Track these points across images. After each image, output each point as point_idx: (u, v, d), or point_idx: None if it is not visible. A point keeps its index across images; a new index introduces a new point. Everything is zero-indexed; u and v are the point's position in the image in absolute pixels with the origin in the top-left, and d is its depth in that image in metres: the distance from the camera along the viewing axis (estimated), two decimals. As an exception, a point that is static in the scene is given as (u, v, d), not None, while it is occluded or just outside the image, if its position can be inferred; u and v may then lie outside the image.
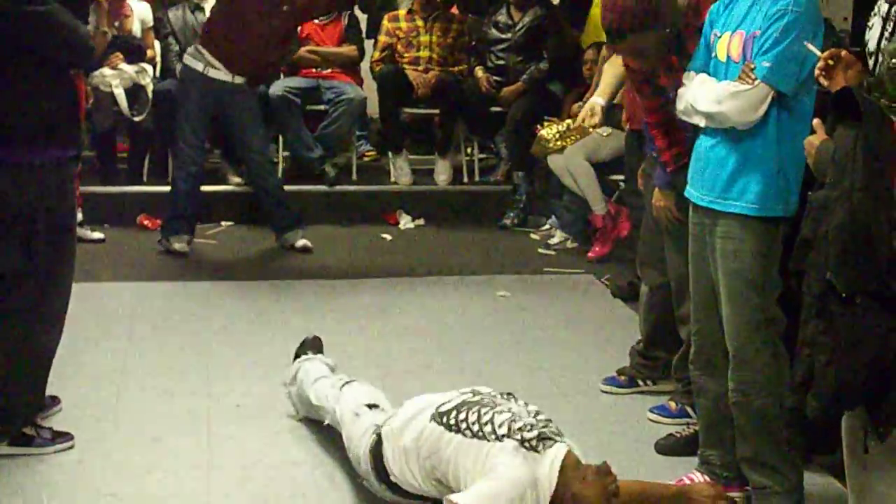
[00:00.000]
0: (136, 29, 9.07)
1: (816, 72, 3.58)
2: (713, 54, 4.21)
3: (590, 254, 8.07)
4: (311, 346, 5.32)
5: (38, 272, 4.58)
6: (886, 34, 3.80)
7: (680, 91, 4.31)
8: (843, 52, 3.53)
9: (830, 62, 3.52)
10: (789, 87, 3.99)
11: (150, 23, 9.20)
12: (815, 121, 3.62)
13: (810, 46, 3.76)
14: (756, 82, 3.98)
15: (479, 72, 9.23)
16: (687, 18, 4.47)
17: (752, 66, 3.99)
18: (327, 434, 4.97)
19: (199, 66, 7.58)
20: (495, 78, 9.18)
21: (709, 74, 4.20)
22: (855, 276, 3.29)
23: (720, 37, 4.18)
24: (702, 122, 4.19)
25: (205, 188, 8.62)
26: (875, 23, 3.92)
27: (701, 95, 4.15)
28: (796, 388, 3.56)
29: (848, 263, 3.29)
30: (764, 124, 4.04)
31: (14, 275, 4.54)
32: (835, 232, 3.30)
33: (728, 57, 4.13)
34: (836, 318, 3.35)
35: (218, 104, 7.67)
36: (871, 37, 3.90)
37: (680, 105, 4.28)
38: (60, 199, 4.61)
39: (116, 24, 8.89)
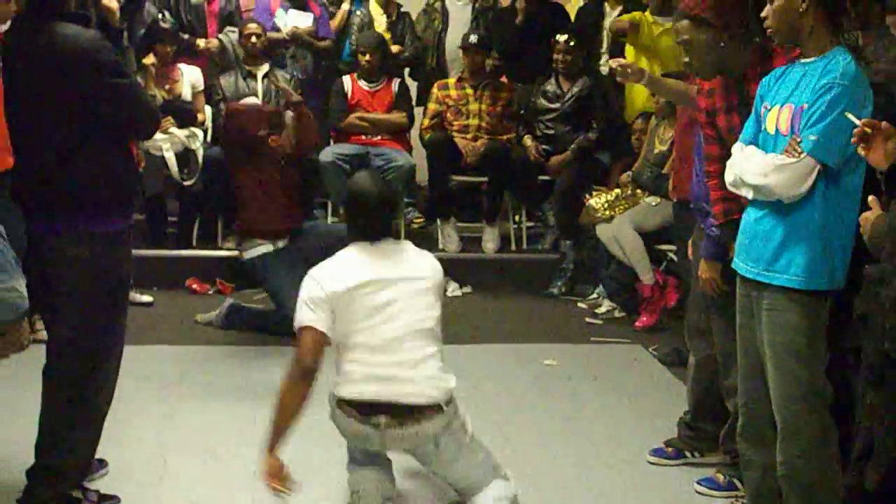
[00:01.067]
0: (187, 93, 9.15)
1: (853, 139, 3.58)
2: (763, 127, 4.22)
3: (637, 323, 8.04)
4: None
5: (98, 335, 4.64)
6: None
7: (729, 162, 4.31)
8: (883, 123, 3.52)
9: (868, 130, 3.52)
10: (835, 161, 3.98)
11: (201, 87, 9.28)
12: (871, 197, 3.62)
13: (850, 116, 3.76)
14: (802, 155, 3.97)
15: (528, 140, 9.26)
16: (753, 58, 4.46)
17: (799, 140, 3.99)
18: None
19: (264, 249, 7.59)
20: (544, 147, 9.22)
21: (758, 147, 4.20)
22: None
23: (770, 109, 4.18)
24: (749, 195, 4.19)
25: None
26: None
27: (748, 168, 4.15)
28: (855, 462, 3.54)
29: None
30: (811, 197, 4.03)
31: (72, 338, 4.58)
32: (892, 302, 3.29)
33: (777, 130, 4.14)
34: (894, 389, 3.33)
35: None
36: None
37: (729, 177, 4.28)
38: (123, 265, 4.70)
39: (167, 87, 9.01)
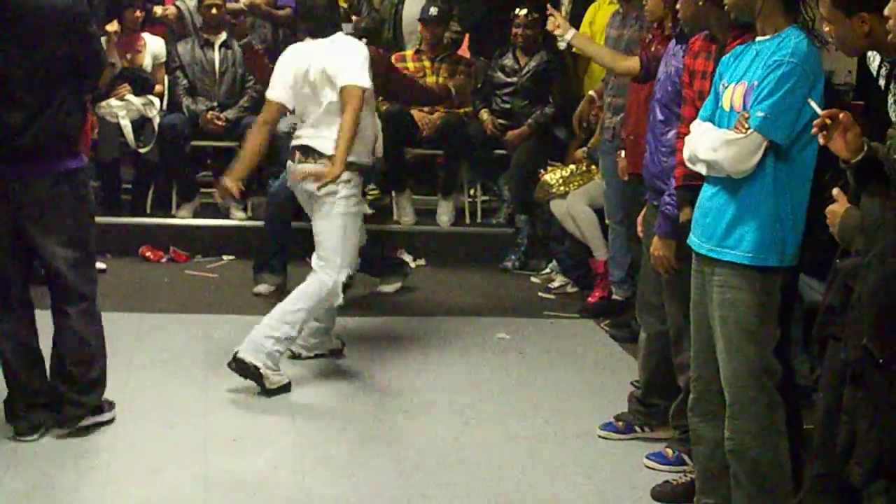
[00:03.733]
0: (148, 63, 9.13)
1: (814, 130, 3.61)
2: (720, 104, 4.25)
3: (589, 298, 8.06)
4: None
5: (91, 255, 5.31)
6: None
7: (686, 138, 4.35)
8: (842, 115, 3.56)
9: (828, 121, 3.55)
10: (783, 138, 4.01)
11: (163, 58, 9.26)
12: (836, 190, 3.66)
13: (812, 104, 3.80)
14: (749, 131, 4.01)
15: (485, 114, 9.24)
16: (735, 31, 4.49)
17: (747, 116, 4.03)
18: (326, 469, 4.99)
19: None
20: (500, 121, 9.19)
21: (714, 124, 4.23)
22: (891, 342, 3.32)
23: (727, 87, 4.22)
24: (703, 170, 4.22)
25: (207, 222, 8.70)
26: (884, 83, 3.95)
27: (701, 143, 4.19)
28: (839, 457, 3.59)
29: (884, 329, 3.32)
30: (761, 174, 4.06)
31: (75, 261, 5.14)
32: (869, 298, 3.33)
33: (731, 107, 4.17)
34: (874, 384, 3.37)
35: None
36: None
37: (686, 152, 4.31)
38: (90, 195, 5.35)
39: (128, 56, 8.97)
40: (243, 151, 6.43)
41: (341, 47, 6.20)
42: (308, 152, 6.15)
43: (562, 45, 6.28)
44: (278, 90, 6.31)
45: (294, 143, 6.28)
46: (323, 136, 6.09)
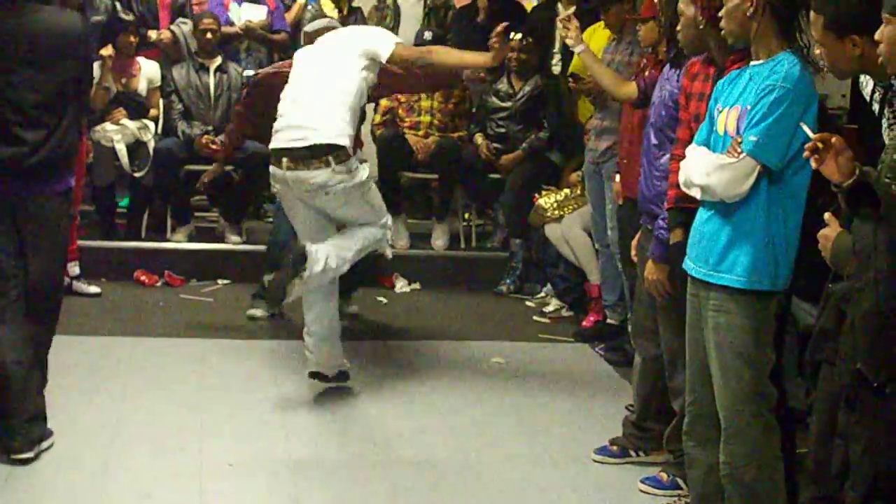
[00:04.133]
0: (143, 87, 9.15)
1: (805, 153, 3.63)
2: (714, 128, 4.26)
3: (584, 322, 8.07)
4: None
5: (62, 268, 5.62)
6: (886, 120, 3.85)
7: (682, 163, 4.36)
8: (834, 139, 3.57)
9: (820, 145, 3.57)
10: (775, 162, 4.02)
11: (158, 83, 9.28)
12: (827, 214, 3.67)
13: (805, 128, 3.80)
14: (742, 156, 4.02)
15: (479, 139, 9.25)
16: (734, 55, 4.49)
17: (740, 140, 4.04)
18: (321, 492, 5.00)
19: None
20: (495, 145, 9.20)
21: (709, 148, 4.25)
22: (885, 365, 3.33)
23: (721, 111, 4.23)
24: (697, 195, 4.23)
25: (202, 246, 8.71)
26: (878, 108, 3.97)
27: (695, 168, 4.20)
28: (833, 480, 3.59)
29: (877, 353, 3.33)
30: (754, 199, 4.07)
31: (52, 272, 5.33)
32: (862, 322, 3.34)
33: (725, 131, 4.18)
34: (868, 408, 3.38)
35: None
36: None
37: (681, 177, 4.32)
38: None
39: (123, 80, 8.99)
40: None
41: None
42: (319, 152, 5.91)
43: (556, 70, 6.27)
44: None
45: (289, 144, 5.97)
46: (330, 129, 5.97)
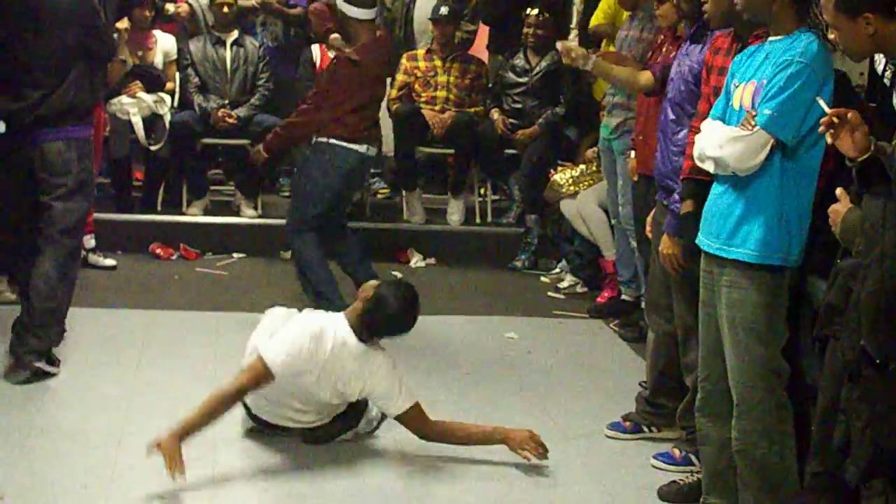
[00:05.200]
0: (159, 60, 9.16)
1: (821, 128, 3.61)
2: (730, 103, 4.26)
3: (599, 298, 8.07)
4: None
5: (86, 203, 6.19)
6: None
7: (697, 137, 4.35)
8: (850, 114, 3.55)
9: (836, 120, 3.55)
10: (789, 137, 4.02)
11: (174, 56, 9.30)
12: (839, 190, 3.66)
13: (821, 102, 3.79)
14: (755, 129, 4.01)
15: (496, 114, 9.25)
16: (759, 31, 4.46)
17: (755, 114, 4.03)
18: (333, 468, 5.01)
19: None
20: (511, 121, 9.20)
21: (725, 123, 4.24)
22: (888, 342, 3.32)
23: (738, 86, 4.22)
24: (711, 168, 4.23)
25: (218, 220, 8.71)
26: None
27: (708, 140, 4.19)
28: (834, 454, 3.60)
29: (881, 329, 3.33)
30: (768, 173, 4.07)
31: (74, 208, 5.96)
32: (867, 299, 3.34)
33: (741, 105, 4.17)
34: (871, 384, 3.37)
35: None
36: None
37: (696, 150, 4.31)
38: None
39: (140, 53, 8.99)
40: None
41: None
42: None
43: (588, 67, 6.17)
44: None
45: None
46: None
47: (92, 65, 6.00)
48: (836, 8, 3.72)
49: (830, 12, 3.75)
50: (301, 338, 5.04)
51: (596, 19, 8.66)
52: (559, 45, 6.13)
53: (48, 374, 5.84)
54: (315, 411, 5.23)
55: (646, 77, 5.91)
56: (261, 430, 5.33)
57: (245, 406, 5.23)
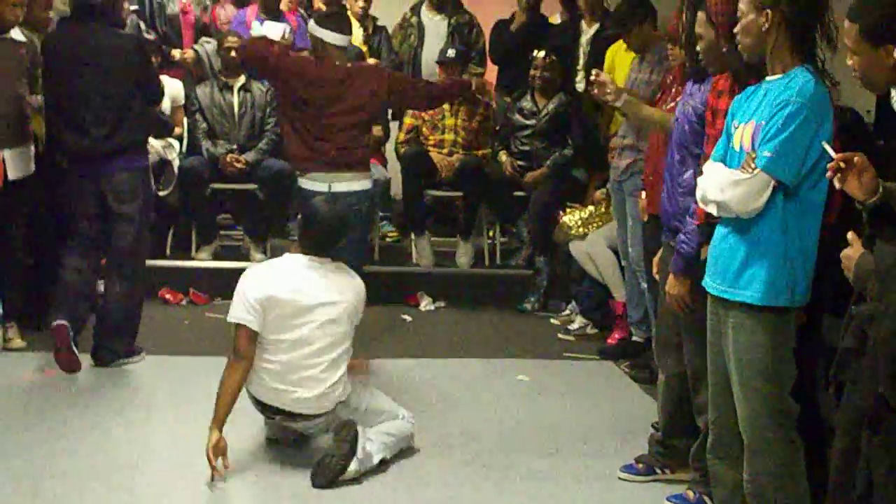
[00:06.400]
0: (166, 106, 9.17)
1: (828, 174, 3.61)
2: (730, 144, 4.26)
3: (609, 340, 8.05)
4: None
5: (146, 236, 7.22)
6: None
7: (699, 179, 4.35)
8: (857, 157, 3.55)
9: (842, 165, 3.55)
10: (790, 178, 4.01)
11: (182, 101, 9.34)
12: (850, 234, 3.65)
13: (826, 147, 3.79)
14: (756, 171, 4.01)
15: (503, 156, 9.28)
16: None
17: (754, 156, 4.03)
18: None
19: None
20: (519, 163, 9.22)
21: (726, 164, 4.24)
22: None
23: (738, 127, 4.22)
24: (714, 211, 4.23)
25: (227, 264, 8.72)
26: None
27: (710, 184, 4.20)
28: (857, 502, 3.57)
29: None
30: (770, 214, 4.07)
31: (137, 240, 6.98)
32: (882, 346, 3.32)
33: (741, 146, 4.18)
34: (892, 431, 3.36)
35: None
36: None
37: (699, 193, 4.31)
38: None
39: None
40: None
41: None
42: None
43: (580, 87, 6.15)
44: None
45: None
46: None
47: (145, 104, 6.96)
48: (861, 35, 3.71)
49: (853, 38, 3.73)
50: (245, 279, 5.56)
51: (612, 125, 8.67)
52: (595, 73, 6.00)
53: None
54: (328, 363, 5.48)
55: None
56: (272, 438, 5.77)
57: (258, 402, 5.59)
